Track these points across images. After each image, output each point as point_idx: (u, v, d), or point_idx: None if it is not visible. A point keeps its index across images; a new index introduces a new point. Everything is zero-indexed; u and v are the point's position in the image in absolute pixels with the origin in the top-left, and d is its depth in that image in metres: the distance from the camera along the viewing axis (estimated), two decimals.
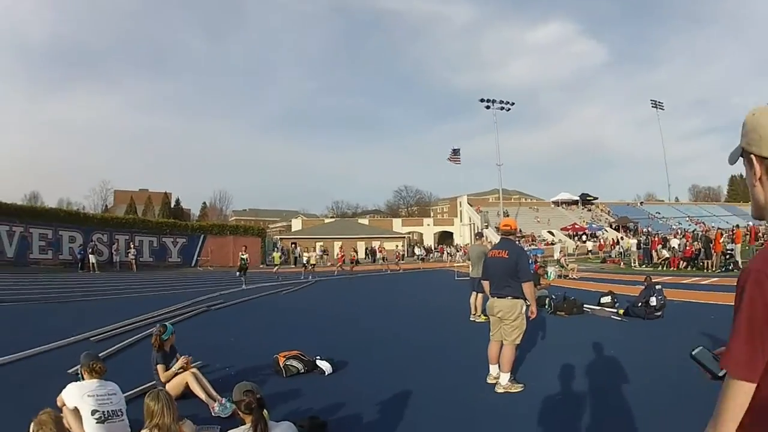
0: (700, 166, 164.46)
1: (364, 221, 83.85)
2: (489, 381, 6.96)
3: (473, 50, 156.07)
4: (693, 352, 1.84)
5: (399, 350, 9.54)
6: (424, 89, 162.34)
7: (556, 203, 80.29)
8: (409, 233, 75.13)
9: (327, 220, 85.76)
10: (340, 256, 36.61)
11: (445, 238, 78.37)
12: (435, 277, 32.17)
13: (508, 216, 56.11)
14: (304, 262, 32.15)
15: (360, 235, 67.50)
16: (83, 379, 4.84)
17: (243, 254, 25.53)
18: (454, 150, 59.39)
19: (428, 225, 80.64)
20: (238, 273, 25.38)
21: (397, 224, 79.25)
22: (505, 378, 6.70)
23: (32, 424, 3.78)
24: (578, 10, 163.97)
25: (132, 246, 38.63)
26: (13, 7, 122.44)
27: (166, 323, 7.08)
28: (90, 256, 34.02)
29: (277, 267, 32.75)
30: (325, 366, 7.82)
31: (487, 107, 57.72)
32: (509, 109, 58.70)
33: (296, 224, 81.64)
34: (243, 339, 11.02)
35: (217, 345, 9.91)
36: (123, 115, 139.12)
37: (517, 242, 7.38)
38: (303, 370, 7.72)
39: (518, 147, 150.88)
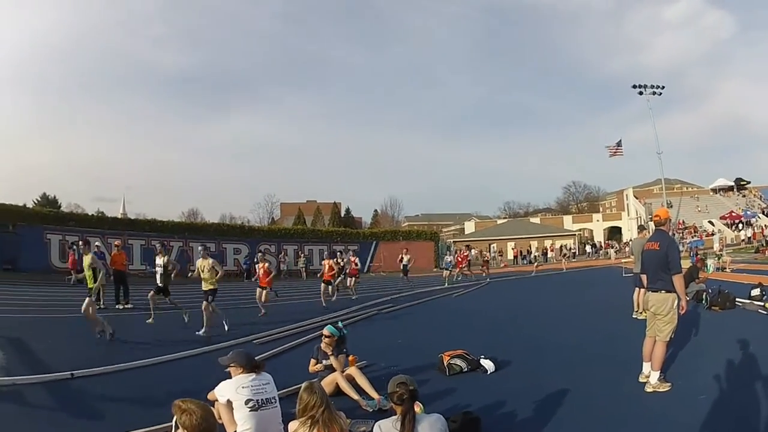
0: None
1: (536, 220, 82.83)
2: (640, 379, 6.76)
3: (617, 35, 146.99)
4: None
5: (561, 350, 9.44)
6: (577, 81, 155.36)
7: (714, 190, 73.79)
8: (579, 230, 73.26)
9: (499, 221, 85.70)
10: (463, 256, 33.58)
11: (614, 233, 75.08)
12: (601, 275, 31.15)
13: (671, 207, 53.02)
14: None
15: (532, 234, 66.93)
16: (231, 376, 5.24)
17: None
18: (616, 143, 56.60)
19: (597, 221, 77.83)
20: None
21: (567, 221, 77.38)
22: (654, 377, 6.49)
23: (177, 410, 3.78)
24: None
25: (301, 255, 40.23)
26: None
27: (337, 324, 7.64)
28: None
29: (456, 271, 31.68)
30: (488, 365, 7.91)
31: (640, 93, 54.29)
32: (660, 93, 54.98)
33: (469, 227, 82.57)
34: (410, 340, 11.36)
35: (384, 346, 10.32)
36: (286, 132, 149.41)
37: (669, 233, 7.07)
38: (466, 369, 7.84)
39: (674, 132, 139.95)
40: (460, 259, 31.02)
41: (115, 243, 18.56)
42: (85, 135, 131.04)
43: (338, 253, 23.64)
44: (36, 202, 70.00)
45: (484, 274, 32.96)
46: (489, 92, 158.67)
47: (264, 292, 15.56)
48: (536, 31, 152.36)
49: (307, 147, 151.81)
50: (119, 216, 55.54)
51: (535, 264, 41.32)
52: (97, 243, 16.95)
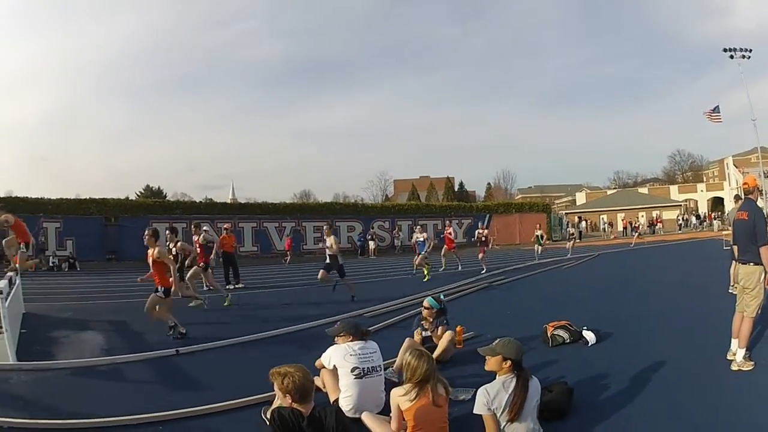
0: None
1: (644, 190, 79.61)
2: (728, 357, 6.42)
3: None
4: None
5: (658, 323, 9.31)
6: (673, 47, 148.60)
7: None
8: (685, 201, 69.78)
9: (609, 192, 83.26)
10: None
11: (716, 204, 70.11)
12: (702, 248, 30.07)
13: None
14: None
15: (640, 205, 64.88)
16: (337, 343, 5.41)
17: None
18: (713, 108, 53.50)
19: (701, 191, 73.47)
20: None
21: (674, 191, 73.68)
22: (740, 354, 6.15)
23: (277, 376, 3.97)
24: None
25: (416, 230, 39.74)
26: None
27: (438, 297, 7.86)
28: (370, 242, 36.39)
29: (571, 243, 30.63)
30: (589, 336, 7.91)
31: (731, 56, 51.05)
32: (749, 57, 51.52)
33: (580, 198, 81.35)
34: (518, 311, 11.50)
35: (493, 317, 10.58)
36: (396, 111, 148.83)
37: (757, 202, 6.54)
38: (569, 340, 7.85)
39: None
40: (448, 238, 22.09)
41: (225, 226, 19.16)
42: (190, 127, 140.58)
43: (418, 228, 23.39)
44: (139, 194, 73.45)
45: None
46: (591, 62, 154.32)
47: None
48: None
49: (418, 123, 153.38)
50: (228, 201, 58.36)
51: (635, 236, 39.33)
52: (205, 227, 17.50)
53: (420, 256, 19.17)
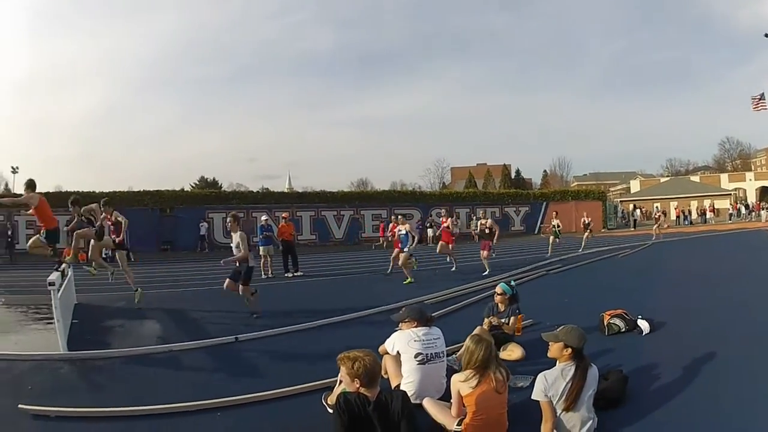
0: None
1: (696, 178, 77.46)
2: None
3: None
4: None
5: (710, 315, 9.19)
6: (721, 32, 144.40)
7: None
8: (735, 189, 67.45)
9: (662, 180, 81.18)
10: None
11: (764, 193, 67.79)
12: (749, 239, 30.06)
13: None
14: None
15: (692, 193, 63.19)
16: (401, 329, 5.45)
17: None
18: (760, 95, 51.57)
19: (750, 180, 71.13)
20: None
21: (724, 180, 71.41)
22: None
23: (346, 361, 4.05)
24: None
25: (473, 218, 39.37)
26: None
27: (509, 282, 7.87)
28: (428, 230, 35.50)
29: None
30: (644, 326, 7.92)
31: None
32: None
33: (635, 185, 79.85)
34: (575, 299, 11.50)
35: (550, 305, 10.43)
36: (452, 99, 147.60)
37: None
38: (624, 329, 7.88)
39: None
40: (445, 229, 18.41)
41: (283, 215, 19.37)
42: (246, 117, 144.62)
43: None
44: (194, 185, 74.51)
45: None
46: (641, 49, 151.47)
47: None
48: None
49: (474, 111, 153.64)
50: (285, 190, 59.35)
51: (656, 225, 31.58)
52: (264, 217, 17.74)
53: (402, 254, 15.22)
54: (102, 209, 11.14)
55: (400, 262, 15.24)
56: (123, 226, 11.46)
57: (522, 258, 20.04)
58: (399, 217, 17.38)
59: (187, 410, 5.22)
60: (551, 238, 22.69)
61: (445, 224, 18.30)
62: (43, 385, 6.25)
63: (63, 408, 5.26)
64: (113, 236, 11.83)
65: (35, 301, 11.52)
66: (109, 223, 12.49)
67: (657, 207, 51.11)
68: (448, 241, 17.81)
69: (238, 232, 10.07)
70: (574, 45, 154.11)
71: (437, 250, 18.38)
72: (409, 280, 14.62)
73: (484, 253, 16.65)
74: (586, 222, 25.30)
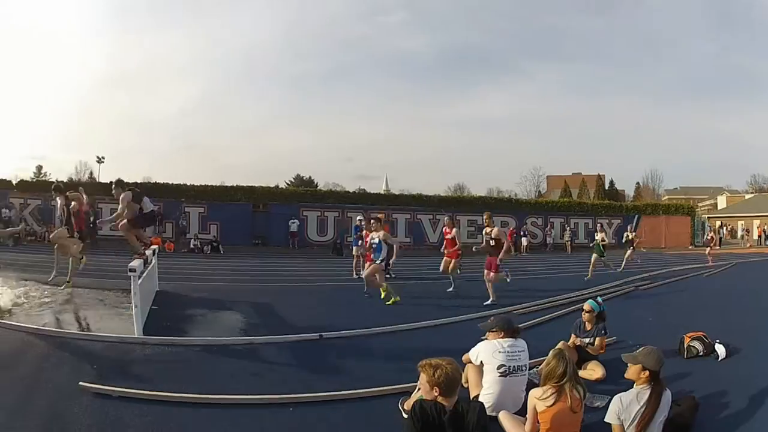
0: None
1: None
2: None
3: None
4: None
5: None
6: None
7: None
8: None
9: (747, 196, 76.53)
10: None
11: None
12: None
13: None
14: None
15: None
16: (488, 338, 5.44)
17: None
18: None
19: None
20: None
21: None
22: None
23: (428, 368, 4.03)
24: None
25: (567, 228, 39.34)
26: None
27: (596, 299, 7.67)
28: (522, 239, 35.48)
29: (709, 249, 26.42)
30: (720, 350, 7.69)
31: None
32: None
33: (721, 201, 77.13)
34: (660, 318, 11.21)
35: (635, 323, 10.32)
36: (550, 104, 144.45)
37: None
38: (702, 353, 7.72)
39: None
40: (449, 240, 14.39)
41: (378, 216, 19.04)
42: (344, 117, 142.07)
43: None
44: (289, 183, 76.01)
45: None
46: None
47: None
48: None
49: (570, 118, 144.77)
50: (382, 192, 59.88)
51: (708, 249, 27.03)
52: (359, 217, 18.12)
53: (371, 267, 12.54)
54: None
55: (369, 277, 12.61)
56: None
57: (606, 273, 18.93)
58: (373, 221, 13.50)
59: (256, 403, 5.33)
60: (594, 256, 18.45)
61: (449, 235, 14.26)
62: (110, 366, 6.45)
63: (126, 389, 5.40)
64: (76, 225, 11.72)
65: (114, 286, 11.76)
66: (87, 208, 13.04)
67: (741, 225, 48.82)
68: (452, 256, 13.97)
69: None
70: (666, 49, 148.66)
71: (440, 269, 14.25)
72: (393, 298, 12.00)
73: (491, 275, 12.31)
74: (629, 237, 23.12)
